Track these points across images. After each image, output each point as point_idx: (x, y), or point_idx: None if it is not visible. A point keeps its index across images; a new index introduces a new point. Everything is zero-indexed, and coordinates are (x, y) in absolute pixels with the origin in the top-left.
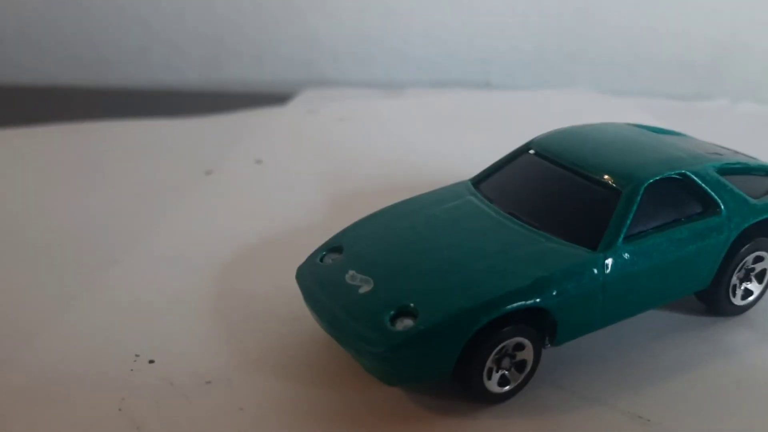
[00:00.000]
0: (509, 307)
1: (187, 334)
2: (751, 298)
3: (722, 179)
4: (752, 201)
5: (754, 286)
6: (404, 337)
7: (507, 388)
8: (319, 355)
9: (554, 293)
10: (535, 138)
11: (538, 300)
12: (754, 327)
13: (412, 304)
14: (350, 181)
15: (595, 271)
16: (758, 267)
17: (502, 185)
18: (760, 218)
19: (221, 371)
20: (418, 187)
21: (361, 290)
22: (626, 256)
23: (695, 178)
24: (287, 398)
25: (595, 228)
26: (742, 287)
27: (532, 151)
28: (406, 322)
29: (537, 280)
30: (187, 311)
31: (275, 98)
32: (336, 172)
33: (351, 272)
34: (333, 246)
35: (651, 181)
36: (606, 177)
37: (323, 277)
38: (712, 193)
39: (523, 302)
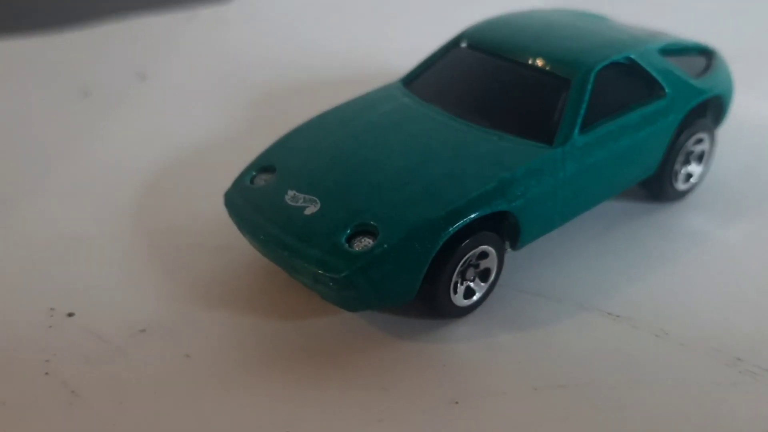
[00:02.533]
0: (475, 213)
1: (105, 278)
2: (692, 180)
3: (665, 61)
4: (693, 82)
5: (694, 168)
6: (367, 258)
7: (474, 299)
8: (262, 286)
9: (518, 194)
10: (466, 30)
11: (503, 203)
12: (697, 208)
13: (370, 221)
14: (252, 89)
15: (555, 166)
16: (697, 149)
17: (437, 84)
18: (702, 98)
19: (155, 316)
20: (335, 88)
21: (307, 211)
22: (582, 148)
23: (640, 62)
24: (236, 337)
25: (549, 122)
26: (683, 170)
27: (464, 44)
28: (366, 242)
29: (500, 181)
30: (100, 253)
31: None
32: (232, 79)
33: (291, 192)
34: (262, 165)
35: (599, 67)
36: (552, 66)
37: (259, 201)
38: (657, 76)
39: (488, 207)
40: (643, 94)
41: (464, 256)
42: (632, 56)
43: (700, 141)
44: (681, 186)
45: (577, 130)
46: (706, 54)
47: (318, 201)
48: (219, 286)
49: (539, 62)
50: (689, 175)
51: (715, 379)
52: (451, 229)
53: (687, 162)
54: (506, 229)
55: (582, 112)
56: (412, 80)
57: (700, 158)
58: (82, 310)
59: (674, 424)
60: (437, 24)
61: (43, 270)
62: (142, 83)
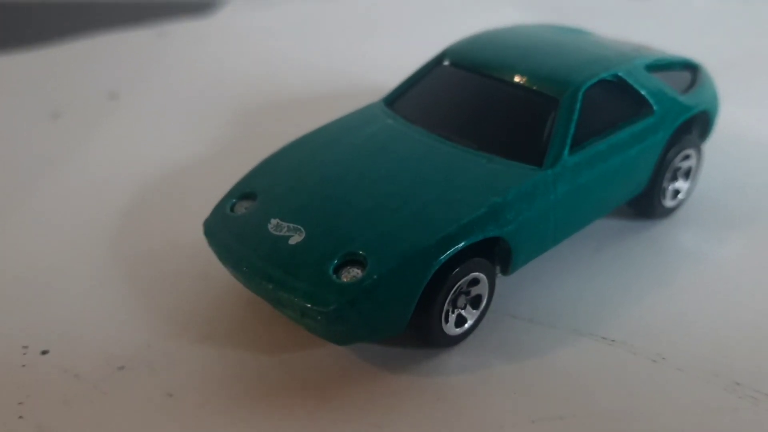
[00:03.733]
0: (467, 240)
1: (80, 312)
2: (680, 197)
3: (652, 77)
4: (680, 98)
5: (682, 185)
6: (357, 289)
7: (465, 327)
8: (244, 318)
9: (510, 219)
10: (449, 47)
11: (495, 229)
12: (686, 225)
13: (358, 251)
14: (228, 107)
15: (546, 189)
16: (684, 165)
17: (422, 104)
18: (690, 115)
19: (134, 352)
20: (315, 105)
21: (292, 241)
22: (573, 168)
23: (627, 79)
24: (221, 373)
25: (538, 143)
26: (671, 187)
27: (447, 62)
28: (354, 272)
29: (491, 206)
30: (75, 285)
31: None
32: (207, 97)
33: (275, 221)
34: (243, 192)
35: (588, 85)
36: (540, 85)
37: (240, 230)
38: (645, 93)
39: (480, 233)
40: (631, 111)
41: (455, 283)
42: (620, 73)
43: (687, 157)
44: (669, 203)
45: (566, 151)
46: (690, 68)
47: (303, 230)
48: (200, 319)
49: (526, 81)
50: (677, 192)
51: (715, 406)
52: (442, 257)
53: (674, 178)
54: (497, 254)
55: (571, 131)
56: (394, 100)
57: (687, 174)
58: (58, 346)
59: None
60: (418, 39)
61: (15, 304)
62: (114, 103)
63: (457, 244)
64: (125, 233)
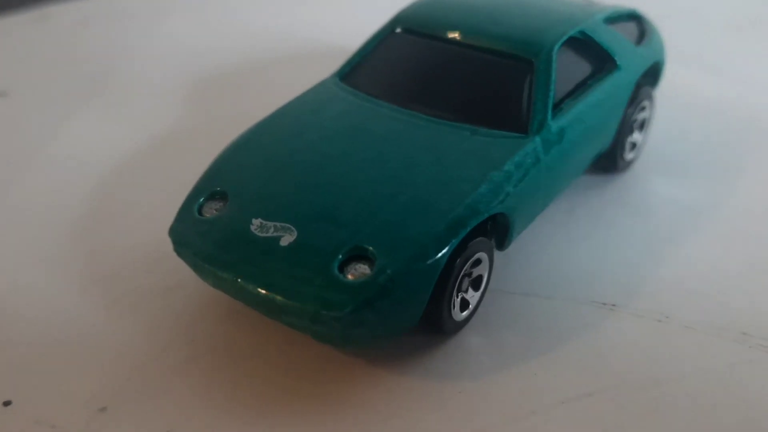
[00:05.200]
0: (476, 220)
1: (38, 352)
2: (636, 149)
3: (612, 31)
4: (638, 50)
5: (637, 137)
6: (372, 288)
7: (469, 309)
8: (227, 332)
9: (509, 192)
10: (401, 13)
11: (498, 205)
12: (647, 176)
13: (364, 245)
14: (134, 93)
15: (536, 156)
16: (640, 117)
17: (383, 76)
18: (648, 66)
19: (114, 388)
20: (226, 86)
21: (284, 242)
22: (557, 132)
23: (592, 35)
24: (214, 397)
25: (520, 109)
26: (628, 140)
27: (399, 30)
28: (361, 268)
29: (491, 181)
30: (33, 316)
31: None
32: (104, 83)
33: (257, 221)
34: (211, 192)
35: (560, 43)
36: (511, 48)
37: (218, 236)
38: (608, 48)
39: (486, 211)
40: (598, 67)
41: (463, 266)
42: (585, 30)
43: (643, 109)
44: (628, 156)
45: (550, 115)
46: (635, 19)
47: (293, 228)
48: (179, 339)
49: (495, 44)
50: (634, 144)
51: (730, 360)
52: (455, 240)
53: (630, 131)
54: (493, 230)
55: (551, 94)
56: (348, 74)
57: (641, 126)
58: (21, 394)
59: (709, 416)
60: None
61: None
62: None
63: (467, 226)
64: (74, 252)
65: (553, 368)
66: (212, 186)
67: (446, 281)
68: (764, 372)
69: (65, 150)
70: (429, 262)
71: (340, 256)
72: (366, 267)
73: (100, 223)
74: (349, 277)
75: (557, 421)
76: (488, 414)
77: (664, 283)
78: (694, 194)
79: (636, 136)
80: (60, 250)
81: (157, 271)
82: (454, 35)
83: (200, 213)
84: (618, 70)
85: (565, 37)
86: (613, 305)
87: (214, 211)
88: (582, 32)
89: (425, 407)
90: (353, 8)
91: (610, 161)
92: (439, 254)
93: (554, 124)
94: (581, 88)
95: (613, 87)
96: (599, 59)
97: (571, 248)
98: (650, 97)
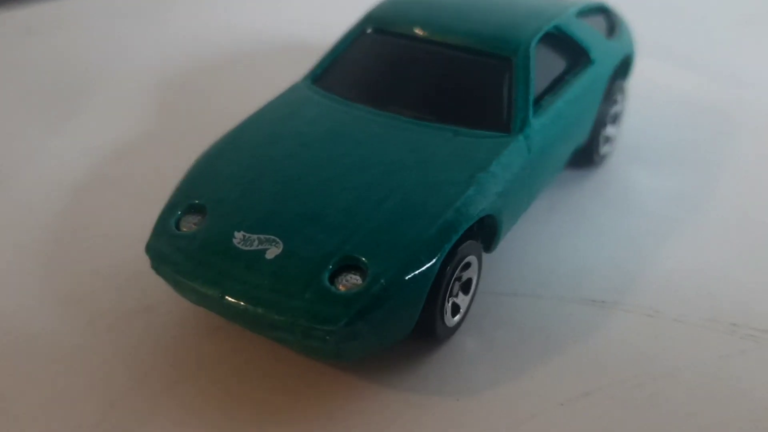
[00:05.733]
0: (467, 223)
1: (9, 380)
2: (610, 142)
3: (585, 25)
4: (610, 44)
5: (611, 130)
6: (365, 298)
7: (460, 314)
8: (211, 352)
9: (497, 193)
10: (371, 13)
11: (487, 207)
12: (619, 168)
13: (353, 254)
14: (84, 101)
15: (520, 155)
16: (612, 111)
17: (355, 78)
18: (620, 59)
19: (96, 418)
20: (193, 91)
21: (269, 254)
22: (539, 130)
23: (566, 29)
24: (202, 424)
25: (501, 108)
26: (603, 134)
27: (370, 30)
28: (352, 279)
29: (479, 183)
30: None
31: None
32: (54, 100)
33: (239, 234)
34: (188, 205)
35: (537, 39)
36: (487, 46)
37: (199, 252)
38: (583, 42)
39: (476, 214)
40: (573, 62)
41: (454, 271)
42: (559, 25)
43: (615, 102)
44: (603, 149)
45: (531, 113)
46: (604, 12)
47: (279, 240)
48: (161, 361)
49: (471, 42)
50: (607, 138)
51: (724, 352)
52: (448, 245)
53: (605, 125)
54: (480, 233)
55: (531, 91)
56: (321, 77)
57: (614, 119)
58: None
59: (707, 408)
60: None
61: None
62: None
63: (458, 230)
64: (43, 271)
65: (549, 369)
66: (189, 199)
67: (438, 287)
68: (756, 362)
69: (27, 167)
70: (422, 269)
71: (330, 267)
72: (357, 277)
73: (67, 243)
74: (341, 288)
75: (559, 424)
76: (489, 421)
77: (650, 276)
78: (670, 184)
79: (610, 130)
80: (25, 273)
81: (133, 289)
82: (428, 34)
83: (178, 228)
84: (593, 64)
85: (541, 33)
86: (603, 302)
87: (193, 226)
88: (557, 27)
89: (424, 419)
90: (334, 4)
91: (585, 156)
92: (432, 260)
93: (536, 122)
94: (559, 83)
95: (589, 81)
96: (574, 54)
97: (556, 245)
98: (622, 91)
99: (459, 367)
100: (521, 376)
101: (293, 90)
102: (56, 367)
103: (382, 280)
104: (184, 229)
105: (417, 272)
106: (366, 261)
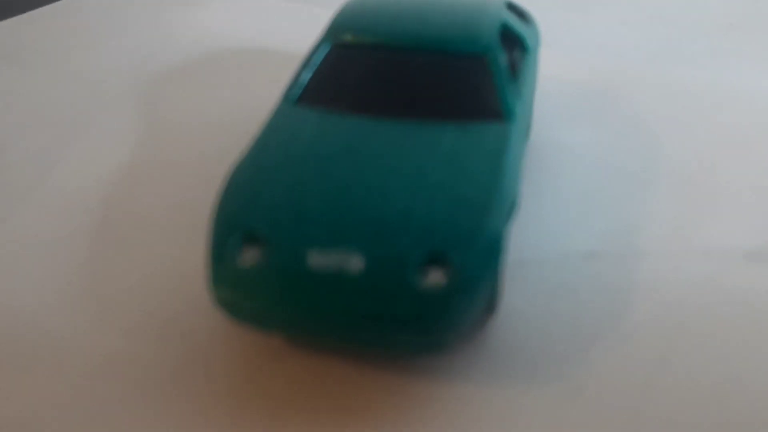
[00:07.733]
0: (514, 206)
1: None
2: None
3: (515, 18)
4: (531, 31)
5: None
6: (457, 290)
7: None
8: (269, 367)
9: (515, 176)
10: (332, 28)
11: (516, 189)
12: (549, 129)
13: (439, 249)
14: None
15: (516, 138)
16: None
17: (343, 91)
18: (539, 47)
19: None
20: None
21: (354, 270)
22: (519, 114)
23: (507, 23)
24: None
25: (490, 100)
26: None
27: (339, 44)
28: (438, 275)
29: (506, 168)
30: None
31: None
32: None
33: (315, 254)
34: (241, 236)
35: (497, 35)
36: (457, 47)
37: (274, 282)
38: (519, 33)
39: (511, 196)
40: (518, 52)
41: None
42: (505, 21)
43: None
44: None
45: (513, 101)
46: (510, 6)
47: (359, 251)
48: (226, 393)
49: (442, 46)
50: None
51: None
52: (509, 227)
53: None
54: None
55: (508, 81)
56: (303, 97)
57: None
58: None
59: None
60: None
61: None
62: None
63: (510, 214)
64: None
65: (578, 333)
66: (234, 229)
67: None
68: None
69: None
70: (497, 254)
71: (417, 267)
72: (441, 273)
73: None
74: (430, 285)
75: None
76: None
77: (625, 220)
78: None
79: None
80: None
81: (147, 311)
82: (397, 43)
83: (236, 259)
84: (528, 52)
85: (498, 29)
86: (596, 252)
87: (256, 258)
88: (503, 23)
89: (465, 417)
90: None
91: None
92: (502, 244)
93: (518, 109)
94: (515, 71)
95: (529, 67)
96: (516, 44)
97: (537, 206)
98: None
99: (488, 354)
100: (554, 350)
101: (279, 114)
102: (91, 372)
103: (468, 270)
104: (247, 263)
105: (494, 257)
106: (449, 254)
